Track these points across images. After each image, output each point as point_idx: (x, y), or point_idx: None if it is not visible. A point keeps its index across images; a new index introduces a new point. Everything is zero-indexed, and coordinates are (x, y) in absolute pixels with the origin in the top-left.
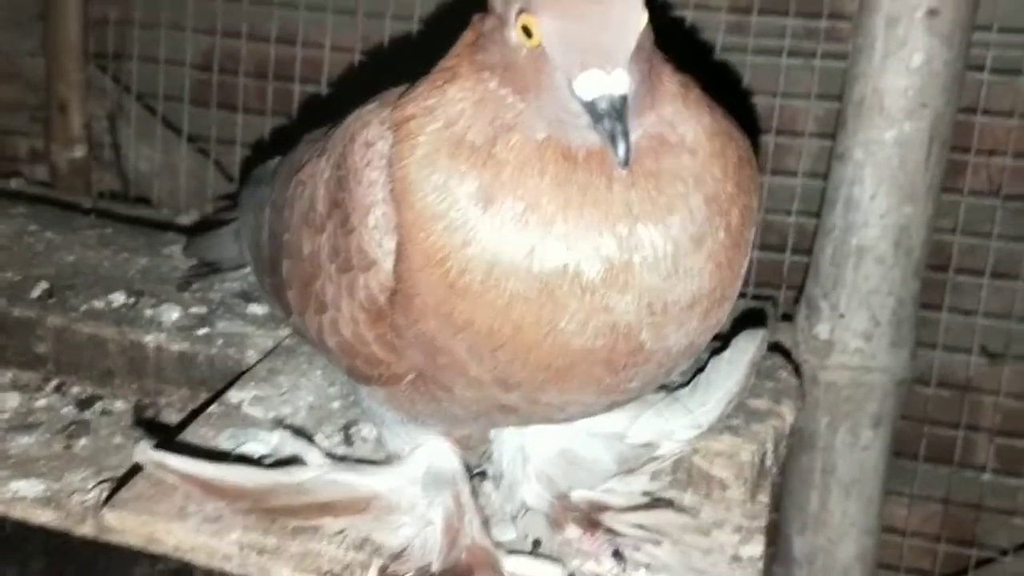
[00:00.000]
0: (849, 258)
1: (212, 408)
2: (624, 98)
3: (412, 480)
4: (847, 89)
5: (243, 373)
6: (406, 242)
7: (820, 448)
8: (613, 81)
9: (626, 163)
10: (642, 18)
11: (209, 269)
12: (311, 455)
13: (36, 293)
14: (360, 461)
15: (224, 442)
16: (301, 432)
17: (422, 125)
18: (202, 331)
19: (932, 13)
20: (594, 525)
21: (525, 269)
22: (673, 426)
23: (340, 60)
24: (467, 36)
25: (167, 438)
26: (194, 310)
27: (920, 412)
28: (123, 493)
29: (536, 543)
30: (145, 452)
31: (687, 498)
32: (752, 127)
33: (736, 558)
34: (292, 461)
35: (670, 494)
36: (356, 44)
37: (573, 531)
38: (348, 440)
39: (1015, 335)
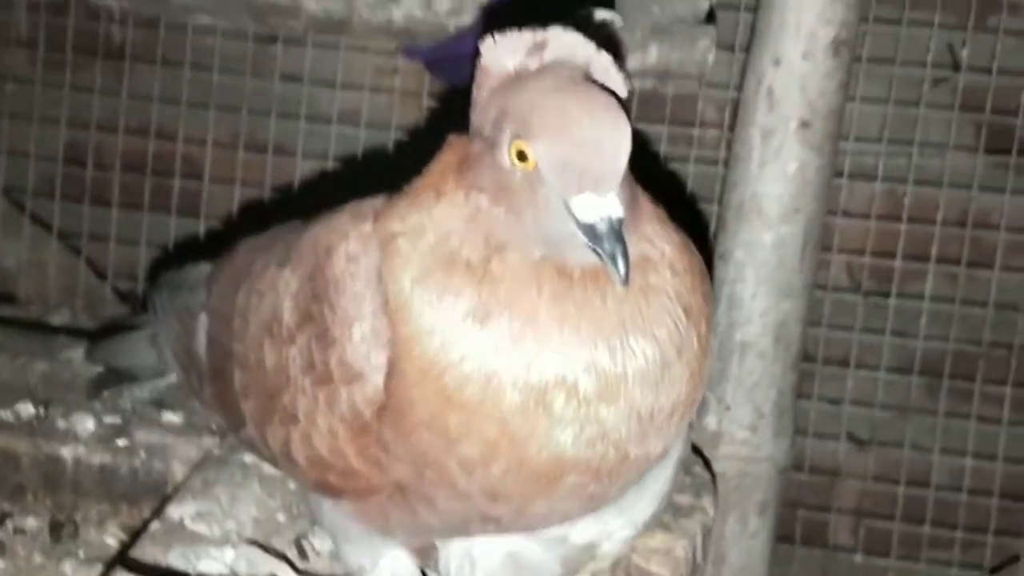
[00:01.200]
0: (733, 353)
1: (154, 526)
2: (621, 220)
3: None
4: (727, 194)
5: (178, 487)
6: (400, 357)
7: (712, 538)
8: (608, 204)
9: (626, 281)
10: (629, 142)
11: (120, 377)
12: (283, 571)
13: None
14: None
15: (175, 561)
16: (262, 548)
17: (413, 241)
18: (121, 442)
19: (804, 125)
20: None
21: (523, 382)
22: (611, 526)
23: (222, 157)
24: (447, 156)
25: (113, 560)
26: (108, 420)
27: (794, 497)
28: None
29: None
30: None
31: None
32: None
33: None
34: None
35: None
36: (239, 140)
37: None
38: (302, 554)
39: (878, 422)
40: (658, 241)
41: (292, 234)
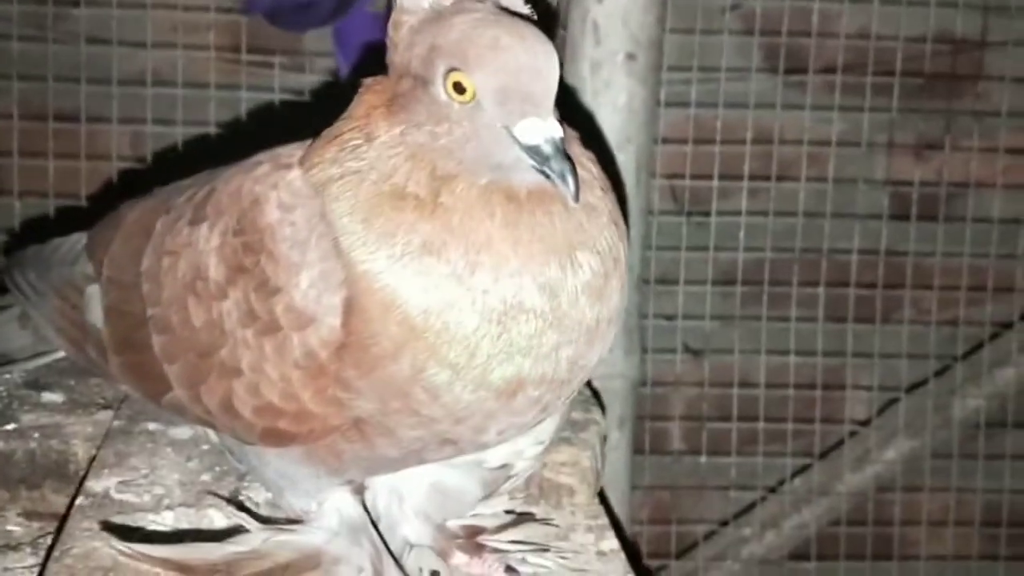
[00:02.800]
0: None
1: (80, 501)
2: (563, 139)
3: (335, 532)
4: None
5: (89, 463)
6: (358, 295)
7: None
8: (550, 126)
9: (577, 198)
10: (558, 67)
11: None
12: (248, 521)
13: None
14: (286, 521)
15: (116, 529)
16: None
17: (354, 183)
18: (10, 427)
19: (630, 57)
20: (477, 549)
21: (483, 306)
22: (521, 445)
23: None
24: (369, 98)
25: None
26: None
27: (640, 410)
28: None
29: (434, 575)
30: (120, 546)
31: (540, 509)
32: None
33: (601, 553)
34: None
35: (528, 509)
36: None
37: (460, 558)
38: (241, 507)
39: (709, 332)
40: (585, 161)
41: (193, 191)
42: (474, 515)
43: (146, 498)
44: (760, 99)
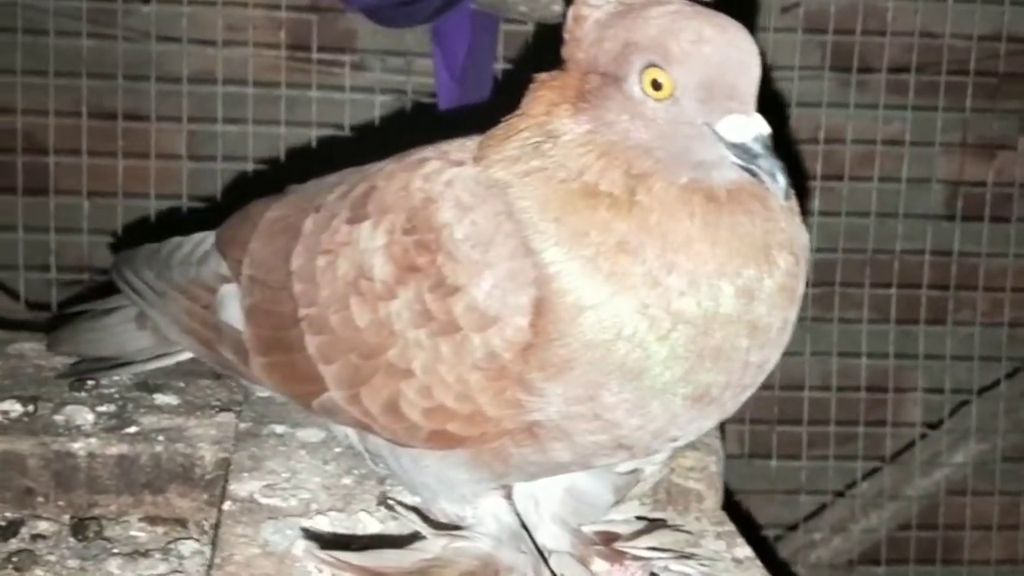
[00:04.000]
0: None
1: (227, 506)
2: (771, 136)
3: (499, 539)
4: None
5: (228, 465)
6: (550, 295)
7: None
8: (756, 122)
9: (787, 196)
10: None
11: (102, 365)
12: (422, 527)
13: None
14: (444, 527)
15: (272, 536)
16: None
17: (542, 181)
18: (132, 430)
19: None
20: (617, 555)
21: (678, 308)
22: None
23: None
24: (545, 95)
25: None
26: (103, 409)
27: None
28: None
29: None
30: (321, 554)
31: (667, 515)
32: None
33: (737, 561)
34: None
35: (658, 515)
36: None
37: (600, 565)
38: (391, 511)
39: None
40: None
41: (341, 189)
42: (606, 521)
43: (293, 502)
44: (817, 98)
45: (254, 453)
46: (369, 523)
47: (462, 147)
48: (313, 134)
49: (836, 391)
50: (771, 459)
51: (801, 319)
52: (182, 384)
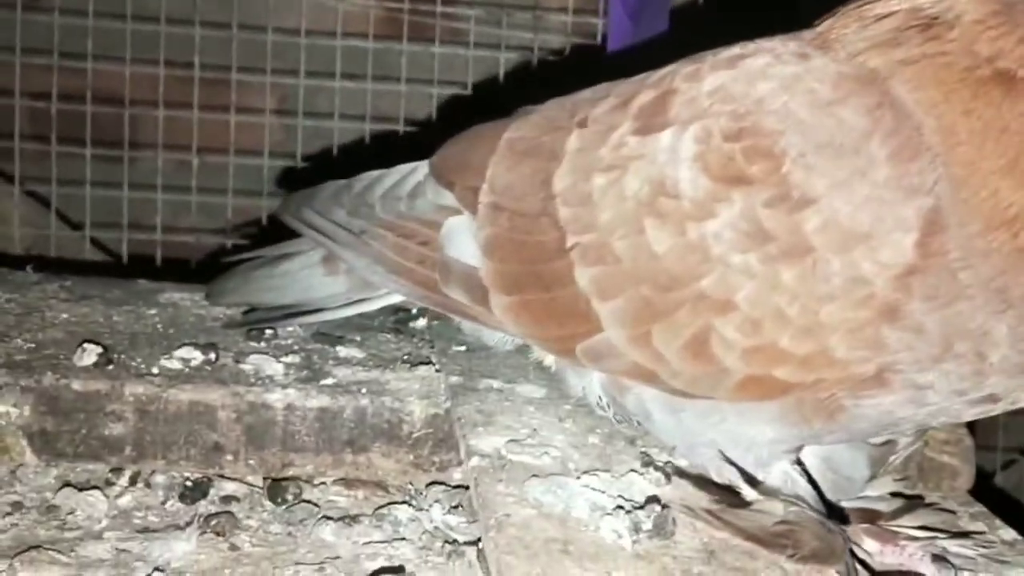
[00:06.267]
0: None
1: (475, 461)
2: None
3: (812, 507)
4: None
5: (458, 420)
6: (950, 206)
7: None
8: None
9: None
10: None
11: (286, 313)
12: (748, 490)
13: (90, 359)
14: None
15: (543, 497)
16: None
17: (941, 67)
18: (329, 382)
19: None
20: (887, 536)
21: None
22: None
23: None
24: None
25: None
26: (290, 360)
27: None
28: None
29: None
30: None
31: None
32: None
33: (1007, 543)
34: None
35: (913, 492)
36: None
37: (871, 544)
38: (667, 477)
39: None
40: None
41: (611, 101)
42: (862, 497)
43: (546, 460)
44: None
45: (480, 407)
46: (643, 485)
47: (786, 42)
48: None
49: None
50: None
51: None
52: (358, 337)
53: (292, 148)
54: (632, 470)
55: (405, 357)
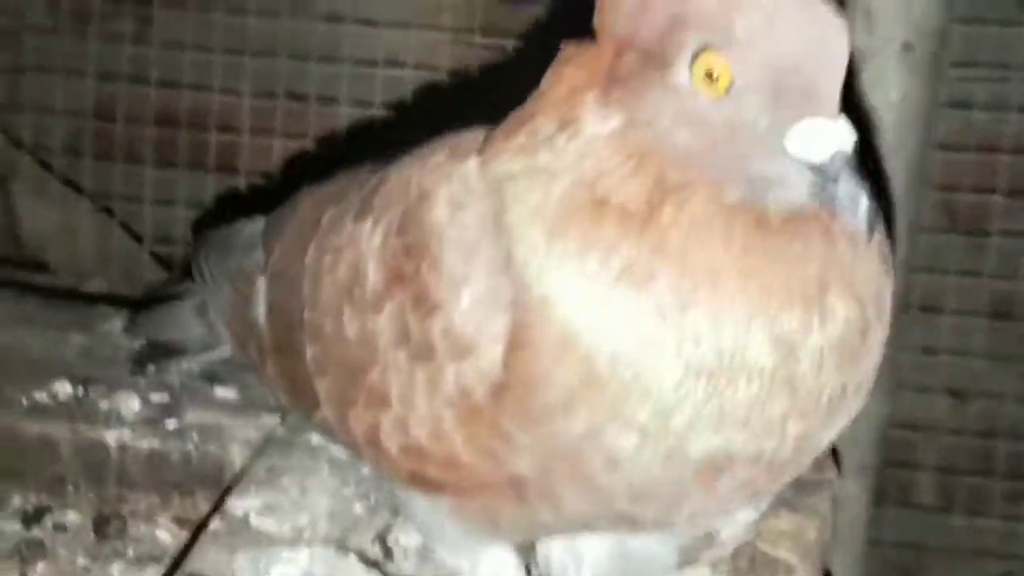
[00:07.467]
0: None
1: (214, 524)
2: (856, 148)
3: None
4: None
5: (239, 476)
6: (529, 325)
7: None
8: (839, 131)
9: (872, 231)
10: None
11: (166, 351)
12: None
13: None
14: None
15: (243, 569)
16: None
17: (545, 182)
18: (171, 424)
19: (907, 48)
20: None
21: (691, 355)
22: None
23: (260, 107)
24: (572, 75)
25: (172, 566)
26: (156, 399)
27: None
28: None
29: None
30: None
31: None
32: None
33: None
34: None
35: None
36: (279, 89)
37: None
38: (388, 553)
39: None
40: None
41: (367, 178)
42: None
43: (286, 528)
44: None
45: (273, 465)
46: (355, 569)
47: (479, 136)
48: None
49: None
50: (954, 513)
51: (1002, 356)
52: (249, 379)
53: None
54: (358, 547)
55: (271, 403)
